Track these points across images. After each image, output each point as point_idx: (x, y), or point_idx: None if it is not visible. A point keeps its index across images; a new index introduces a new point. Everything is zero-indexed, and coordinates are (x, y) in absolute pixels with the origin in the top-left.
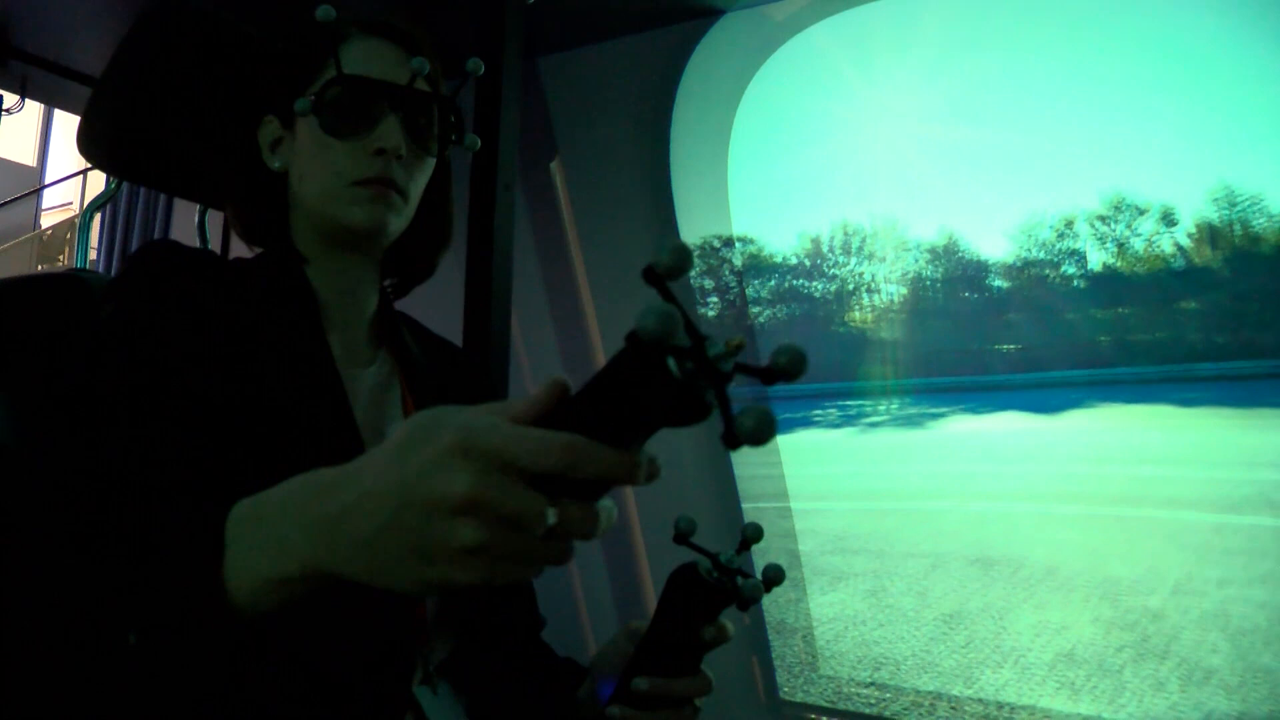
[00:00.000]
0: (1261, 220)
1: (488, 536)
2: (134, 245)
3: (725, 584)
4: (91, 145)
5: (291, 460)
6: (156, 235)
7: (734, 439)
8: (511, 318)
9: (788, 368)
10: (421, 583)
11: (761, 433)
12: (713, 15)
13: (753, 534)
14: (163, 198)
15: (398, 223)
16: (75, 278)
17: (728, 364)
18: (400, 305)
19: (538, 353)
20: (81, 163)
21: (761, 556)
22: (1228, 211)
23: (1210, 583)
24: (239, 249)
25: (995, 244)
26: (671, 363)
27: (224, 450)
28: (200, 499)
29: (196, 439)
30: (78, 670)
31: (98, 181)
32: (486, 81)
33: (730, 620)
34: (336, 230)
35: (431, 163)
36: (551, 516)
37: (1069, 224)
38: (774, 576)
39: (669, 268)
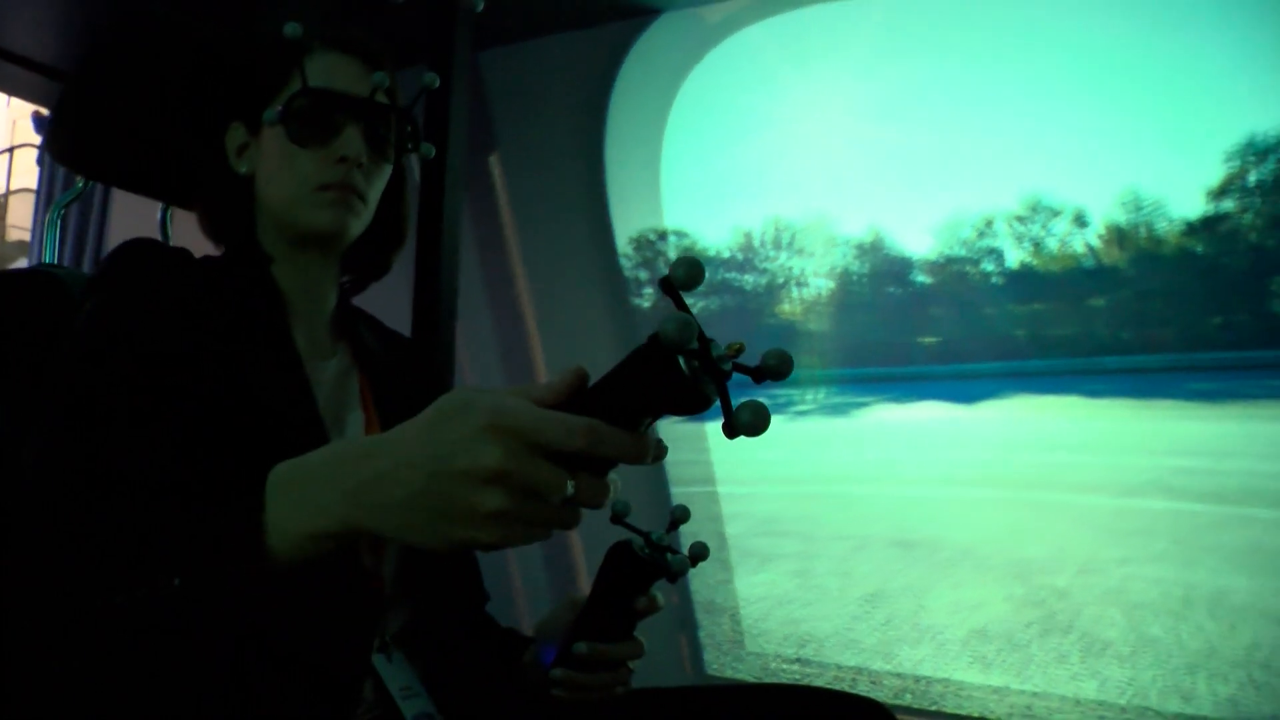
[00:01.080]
0: (1164, 224)
1: (511, 504)
2: (70, 241)
3: (656, 559)
4: (62, 146)
5: (260, 446)
6: (92, 232)
7: (733, 429)
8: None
9: (777, 368)
10: (448, 541)
11: (757, 424)
12: (650, 14)
13: (680, 515)
14: (98, 196)
15: (358, 225)
16: (49, 274)
17: (728, 364)
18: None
19: (476, 343)
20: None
21: (691, 539)
22: (1134, 215)
23: (1111, 562)
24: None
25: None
26: (681, 361)
27: (206, 438)
28: (200, 485)
29: (186, 429)
30: (122, 612)
31: (23, 163)
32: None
33: (661, 593)
34: (301, 232)
35: (389, 169)
36: (570, 488)
37: (989, 223)
38: (699, 553)
39: (683, 280)
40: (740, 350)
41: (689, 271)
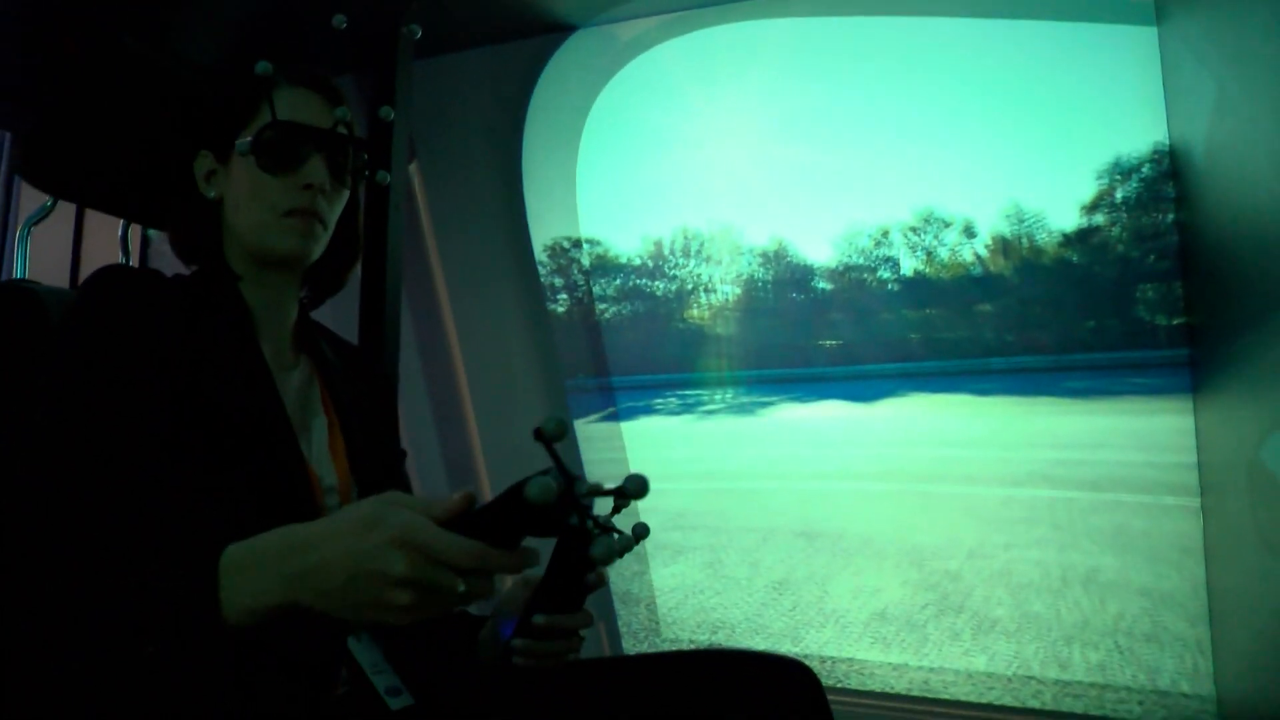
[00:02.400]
0: (1043, 235)
1: (416, 599)
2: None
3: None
4: (34, 168)
5: (235, 453)
6: (69, 247)
7: (586, 559)
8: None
9: (634, 492)
10: (369, 620)
11: (609, 559)
12: (565, 31)
13: (629, 491)
14: (73, 213)
15: (319, 248)
16: (26, 289)
17: (589, 499)
18: None
19: (400, 348)
20: None
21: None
22: (1017, 226)
23: (998, 546)
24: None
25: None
26: (552, 500)
27: (182, 449)
28: (194, 537)
29: (162, 441)
30: (104, 673)
31: None
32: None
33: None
34: (267, 255)
35: (347, 194)
36: (461, 587)
37: (885, 234)
38: (641, 531)
39: (552, 434)
40: (596, 491)
41: (557, 428)
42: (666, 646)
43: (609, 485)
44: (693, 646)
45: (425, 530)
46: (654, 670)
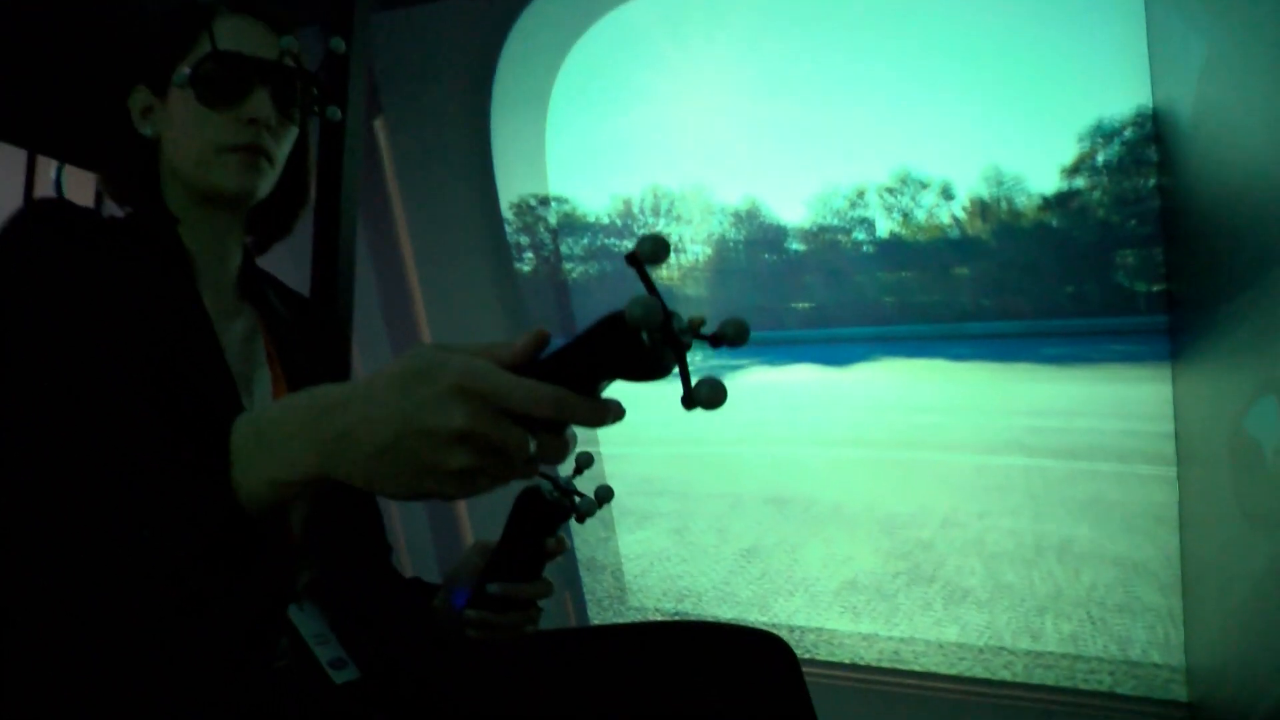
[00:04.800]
0: (1022, 198)
1: (476, 461)
2: None
3: (564, 502)
4: None
5: (173, 404)
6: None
7: (691, 402)
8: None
9: (733, 336)
10: (413, 493)
11: (715, 399)
12: None
13: (585, 461)
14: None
15: (265, 186)
16: None
17: (688, 337)
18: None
19: (361, 304)
20: None
21: (562, 477)
22: (996, 189)
23: (971, 515)
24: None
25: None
26: (644, 334)
27: (119, 396)
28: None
29: (100, 387)
30: (94, 561)
31: None
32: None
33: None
34: (209, 193)
35: (295, 131)
36: (533, 447)
37: (860, 194)
38: (604, 495)
39: (649, 255)
40: (701, 324)
41: (654, 247)
42: (633, 615)
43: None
44: (660, 617)
45: (491, 375)
46: (620, 643)
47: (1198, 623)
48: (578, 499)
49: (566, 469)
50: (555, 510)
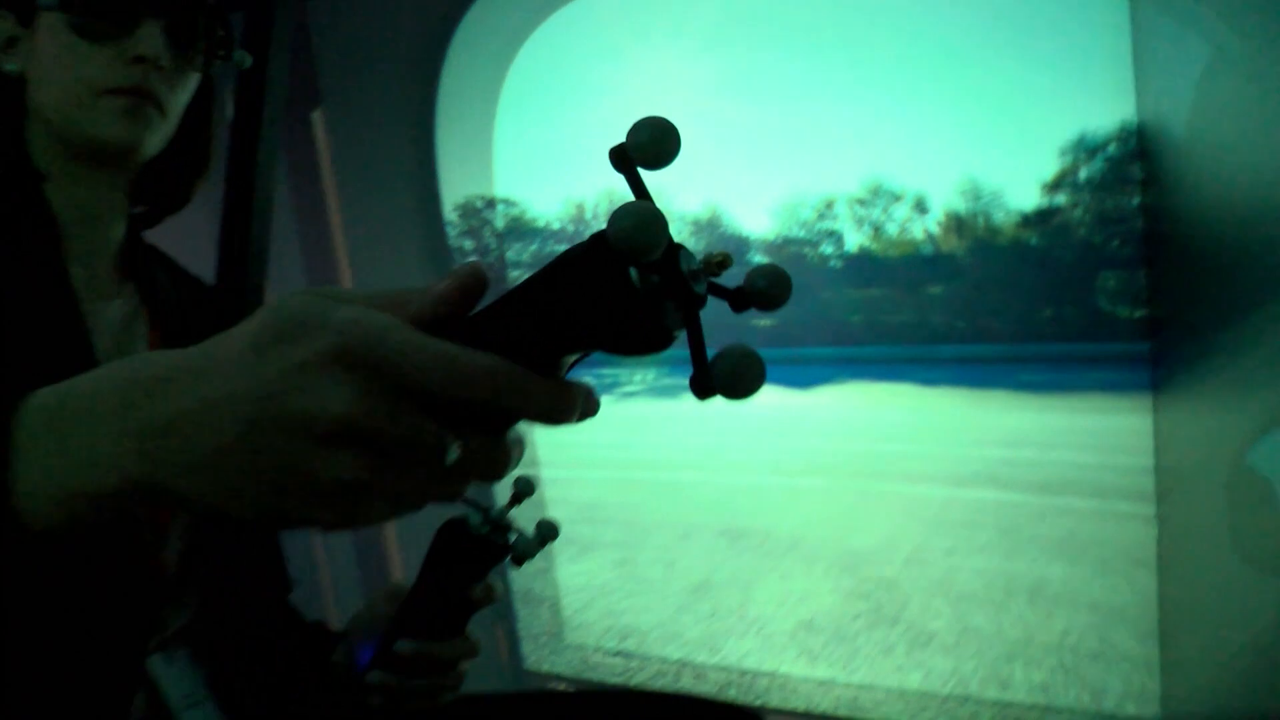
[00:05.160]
0: (1000, 214)
1: (366, 470)
2: None
3: (497, 540)
4: None
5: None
6: None
7: (706, 385)
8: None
9: (767, 290)
10: (275, 515)
11: (742, 380)
12: None
13: (525, 488)
14: None
15: (153, 141)
16: None
17: (702, 284)
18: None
19: None
20: None
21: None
22: (973, 204)
23: (938, 552)
24: None
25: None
26: (634, 274)
27: None
28: None
29: None
30: None
31: None
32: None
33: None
34: (82, 144)
35: (195, 79)
36: (454, 452)
37: (829, 205)
38: (548, 532)
39: (646, 149)
40: (726, 263)
41: (654, 136)
42: (571, 654)
43: (726, 288)
44: (601, 657)
45: (392, 334)
46: (565, 715)
47: (1175, 672)
48: (514, 536)
49: (501, 495)
50: (485, 549)
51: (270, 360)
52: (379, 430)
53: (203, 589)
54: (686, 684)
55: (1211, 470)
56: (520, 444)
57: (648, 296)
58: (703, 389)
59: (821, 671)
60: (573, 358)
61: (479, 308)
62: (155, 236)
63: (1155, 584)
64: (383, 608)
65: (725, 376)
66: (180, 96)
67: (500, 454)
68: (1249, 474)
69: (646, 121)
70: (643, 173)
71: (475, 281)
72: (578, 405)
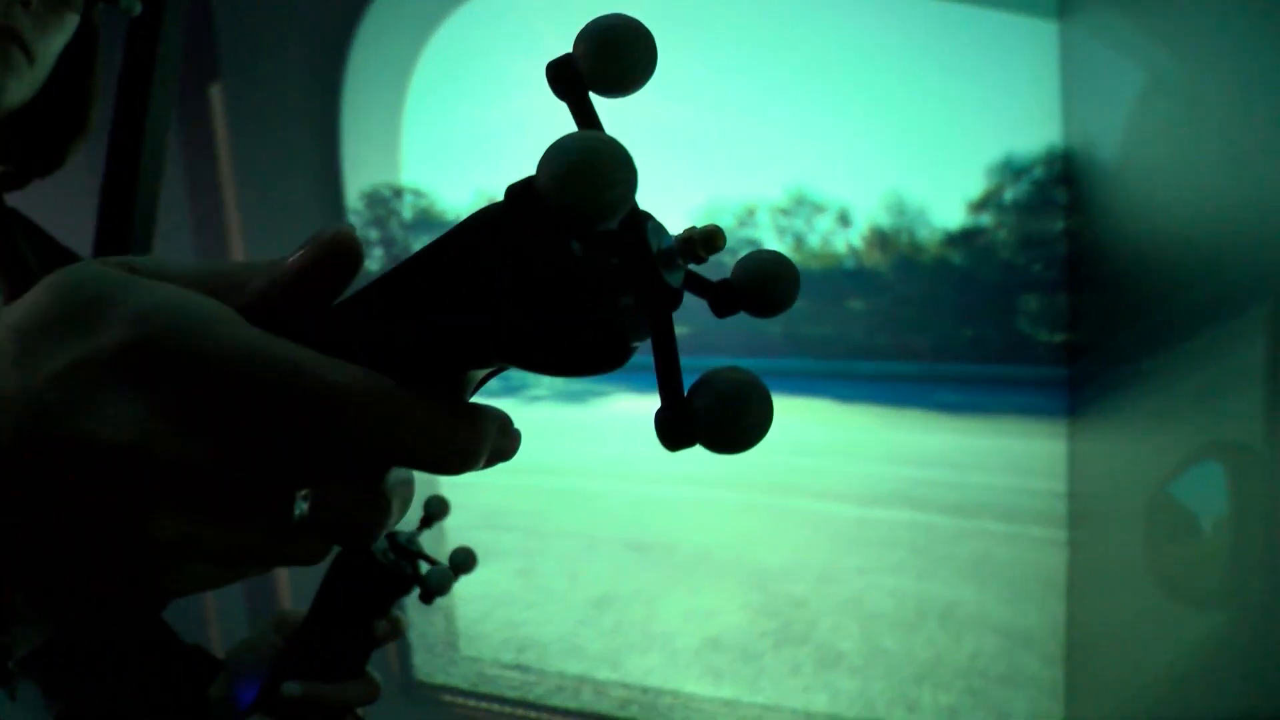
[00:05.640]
0: (925, 231)
1: (171, 525)
2: None
3: (405, 569)
4: None
5: None
6: None
7: (680, 428)
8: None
9: (765, 287)
10: (41, 582)
11: (735, 424)
12: None
13: (437, 509)
14: None
15: (17, 89)
16: None
17: (678, 272)
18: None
19: None
20: None
21: (409, 531)
22: (897, 219)
23: (850, 571)
24: None
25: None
26: (576, 245)
27: None
28: None
29: None
30: None
31: None
32: None
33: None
34: None
35: (73, 22)
36: (302, 504)
37: (751, 212)
38: (463, 562)
39: (603, 63)
40: (715, 244)
41: (614, 43)
42: (467, 666)
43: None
44: (498, 670)
45: (215, 326)
46: None
47: (1081, 697)
48: (425, 566)
49: (409, 520)
50: (390, 581)
51: (40, 355)
52: (185, 468)
53: (57, 608)
54: (587, 700)
55: (1126, 498)
56: (406, 486)
57: (597, 284)
58: (675, 434)
59: (726, 691)
60: (482, 373)
61: (346, 294)
62: (21, 202)
63: (1064, 609)
64: (271, 638)
65: (713, 417)
66: (53, 39)
67: (372, 506)
68: (1169, 503)
69: (604, 22)
70: (597, 102)
71: (343, 254)
72: (485, 443)
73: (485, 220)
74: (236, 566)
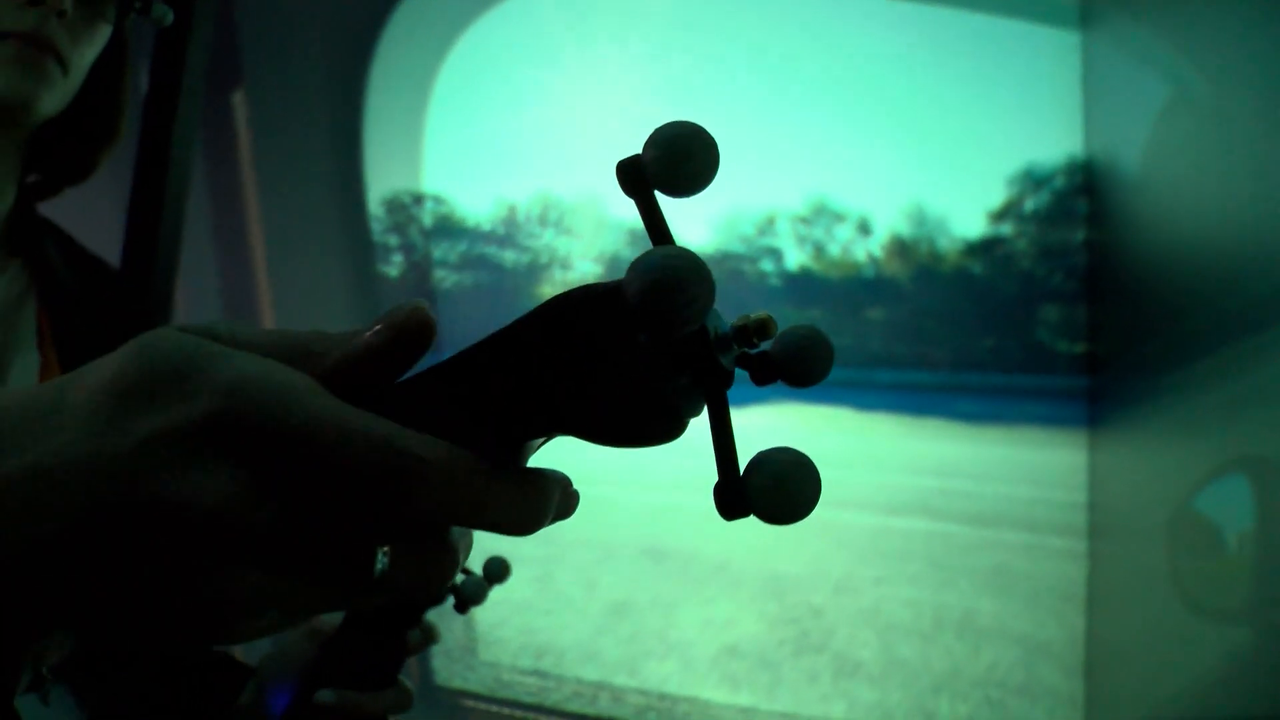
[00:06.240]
0: (945, 241)
1: (252, 585)
2: None
3: None
4: None
5: None
6: None
7: (736, 501)
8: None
9: (802, 361)
10: (119, 631)
11: (788, 499)
12: None
13: (497, 570)
14: None
15: (51, 99)
16: None
17: (731, 355)
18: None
19: (195, 296)
20: None
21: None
22: (918, 229)
23: (867, 581)
24: None
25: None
26: (644, 336)
27: None
28: None
29: None
30: None
31: None
32: None
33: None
34: None
35: (106, 33)
36: (382, 561)
37: (771, 221)
38: (497, 572)
39: (664, 169)
40: (767, 330)
41: (682, 148)
42: (486, 671)
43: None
44: (516, 675)
45: (304, 400)
46: None
47: (1101, 709)
48: (461, 577)
49: None
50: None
51: (128, 422)
52: (271, 531)
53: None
54: (604, 706)
55: (1147, 509)
56: (467, 537)
57: (661, 369)
58: (732, 505)
59: (744, 698)
60: (539, 441)
61: (429, 363)
62: (53, 211)
63: (1084, 620)
64: (302, 646)
65: (767, 494)
66: (86, 50)
67: (444, 560)
68: (1193, 517)
69: (671, 128)
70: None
71: (418, 331)
72: (552, 507)
73: (562, 311)
74: (310, 616)
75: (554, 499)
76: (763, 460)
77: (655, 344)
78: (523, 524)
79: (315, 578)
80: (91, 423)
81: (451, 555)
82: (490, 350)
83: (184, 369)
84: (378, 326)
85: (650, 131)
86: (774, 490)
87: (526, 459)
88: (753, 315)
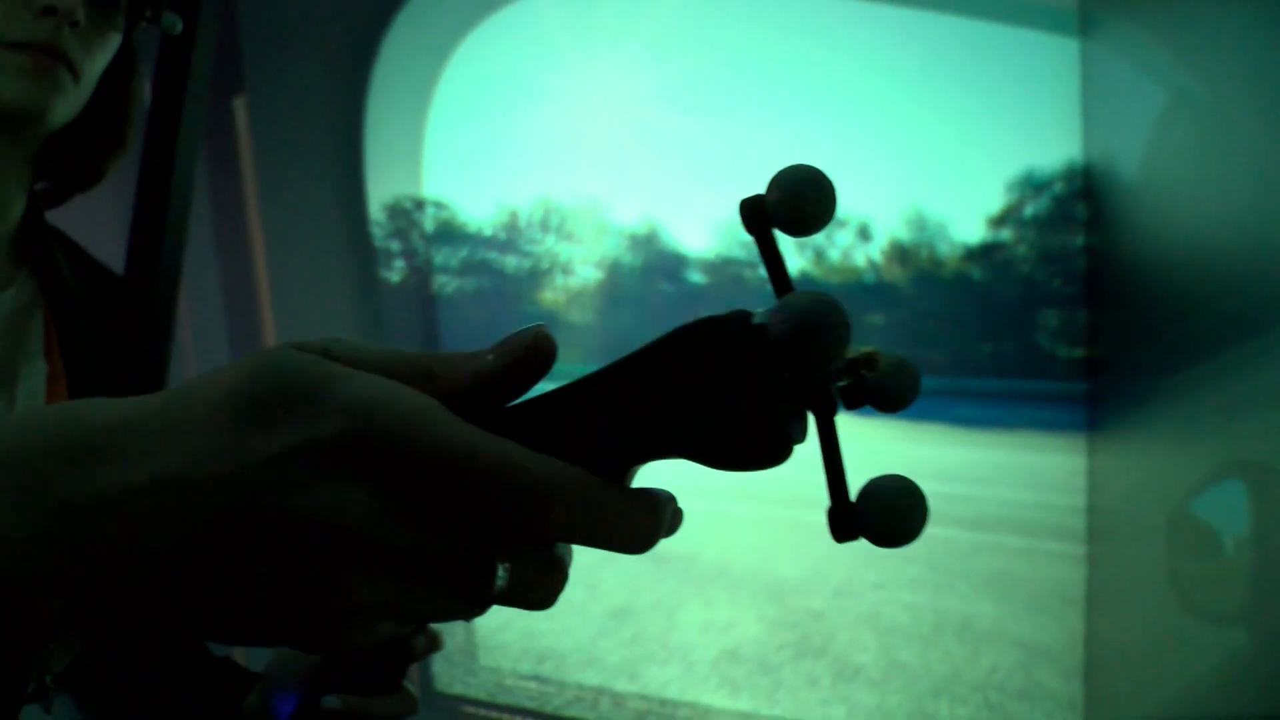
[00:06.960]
0: (944, 246)
1: (380, 595)
2: None
3: None
4: None
5: None
6: None
7: (849, 524)
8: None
9: (892, 386)
10: (241, 635)
11: (900, 523)
12: None
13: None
14: None
15: (63, 108)
16: None
17: (835, 386)
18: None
19: (198, 299)
20: None
21: None
22: (918, 234)
23: (867, 585)
24: None
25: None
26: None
27: None
28: None
29: None
30: None
31: None
32: None
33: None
34: None
35: (117, 41)
36: (502, 577)
37: None
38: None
39: (787, 210)
40: (875, 364)
41: (804, 191)
42: (486, 676)
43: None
44: (517, 680)
45: (433, 424)
46: None
47: (1100, 712)
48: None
49: None
50: None
51: (251, 439)
52: (395, 546)
53: (93, 624)
54: (605, 711)
55: (1146, 513)
56: (569, 552)
57: (778, 398)
58: (844, 529)
59: (744, 703)
60: (640, 465)
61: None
62: (54, 217)
63: (1083, 624)
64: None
65: (879, 519)
66: (98, 59)
67: (557, 576)
68: (1191, 521)
69: (794, 172)
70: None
71: (543, 355)
72: (665, 526)
73: (691, 342)
74: (409, 621)
75: (667, 517)
76: (876, 489)
77: (796, 380)
78: (640, 542)
79: (438, 591)
80: (212, 438)
81: (562, 572)
82: (614, 377)
83: (308, 390)
84: (502, 350)
85: (773, 173)
86: (887, 517)
87: (632, 480)
88: (861, 349)
